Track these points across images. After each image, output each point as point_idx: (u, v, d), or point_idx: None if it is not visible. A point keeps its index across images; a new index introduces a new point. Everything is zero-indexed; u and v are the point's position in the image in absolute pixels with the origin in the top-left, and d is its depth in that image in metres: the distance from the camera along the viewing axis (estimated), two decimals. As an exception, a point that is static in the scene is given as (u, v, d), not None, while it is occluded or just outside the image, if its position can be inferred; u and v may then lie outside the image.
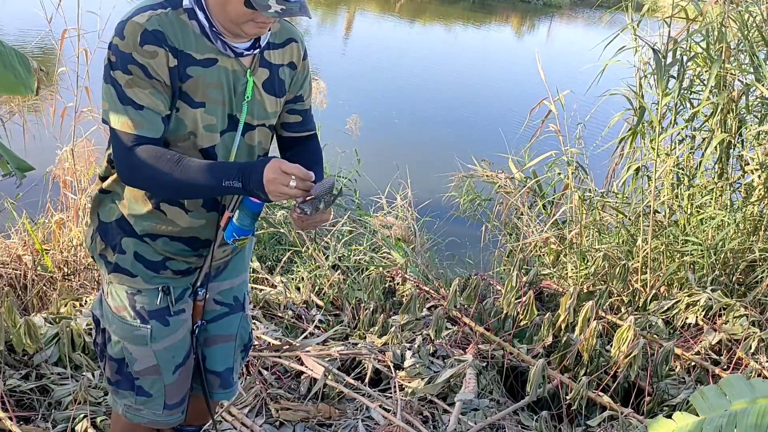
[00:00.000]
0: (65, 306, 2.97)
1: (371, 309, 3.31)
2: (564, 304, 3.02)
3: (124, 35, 1.49)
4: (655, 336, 3.18)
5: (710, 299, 3.32)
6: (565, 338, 3.06)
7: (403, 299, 3.47)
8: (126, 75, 1.50)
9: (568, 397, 2.74)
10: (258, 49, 1.64)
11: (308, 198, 1.52)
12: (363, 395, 2.73)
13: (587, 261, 3.93)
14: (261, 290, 3.48)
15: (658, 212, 3.93)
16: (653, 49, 3.66)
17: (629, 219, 4.09)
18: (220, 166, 1.56)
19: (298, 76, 1.77)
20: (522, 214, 4.46)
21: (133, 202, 1.68)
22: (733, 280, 3.69)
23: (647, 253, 3.70)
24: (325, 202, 1.53)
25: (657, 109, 3.75)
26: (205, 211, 1.69)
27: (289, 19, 1.69)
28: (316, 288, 3.63)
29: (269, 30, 1.63)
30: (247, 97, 1.64)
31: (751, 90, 3.89)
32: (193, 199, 1.66)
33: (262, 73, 1.67)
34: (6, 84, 2.17)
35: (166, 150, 1.56)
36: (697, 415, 1.43)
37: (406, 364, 2.91)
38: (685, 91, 3.96)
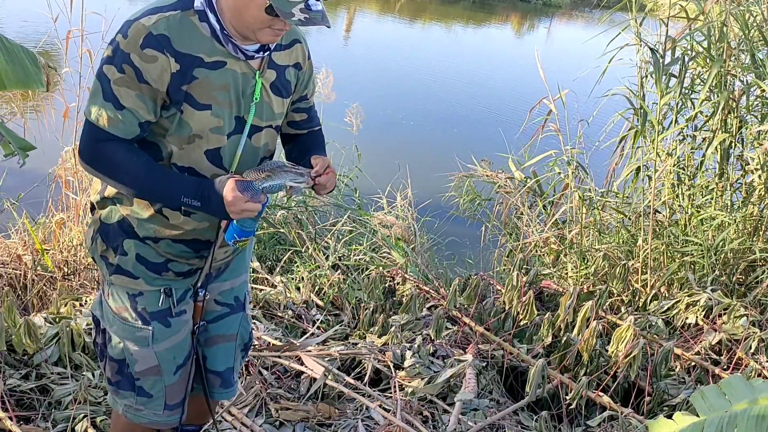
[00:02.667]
0: (65, 306, 2.97)
1: (371, 309, 3.31)
2: (563, 303, 3.02)
3: (128, 35, 1.50)
4: (655, 336, 3.18)
5: (710, 299, 3.32)
6: (565, 338, 3.06)
7: (403, 299, 3.47)
8: (118, 73, 1.50)
9: (568, 397, 2.74)
10: (267, 52, 1.64)
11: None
12: (363, 395, 2.73)
13: (587, 261, 3.93)
14: (261, 290, 3.48)
15: (659, 212, 3.93)
16: (651, 49, 3.66)
17: (629, 219, 4.08)
18: (185, 181, 1.58)
19: (303, 76, 1.78)
20: (522, 213, 4.46)
21: (135, 206, 1.68)
22: (734, 280, 3.68)
23: (647, 253, 3.70)
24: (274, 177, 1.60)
25: (657, 108, 3.74)
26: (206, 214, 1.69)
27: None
28: (316, 288, 3.63)
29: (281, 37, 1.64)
30: (256, 99, 1.64)
31: (752, 90, 3.89)
32: (152, 202, 1.67)
33: (270, 74, 1.67)
34: (18, 79, 2.16)
35: (137, 149, 1.58)
36: (697, 415, 1.43)
37: (406, 364, 2.91)
38: (687, 91, 3.96)
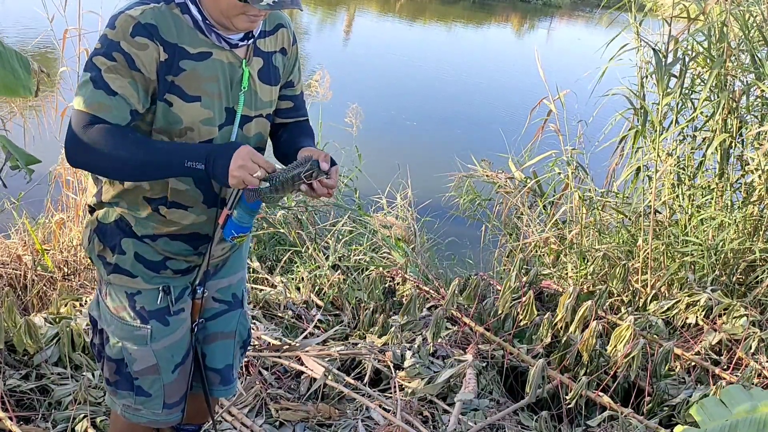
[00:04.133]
0: (65, 306, 2.98)
1: (371, 309, 3.30)
2: (562, 303, 3.02)
3: (116, 26, 1.50)
4: (655, 336, 3.18)
5: (710, 299, 3.32)
6: (564, 338, 3.06)
7: (403, 299, 3.47)
8: (108, 61, 1.49)
9: (568, 397, 2.74)
10: (252, 39, 1.64)
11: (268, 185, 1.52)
12: (363, 395, 2.73)
13: (587, 261, 3.93)
14: (261, 290, 3.48)
15: (659, 212, 3.93)
16: (653, 49, 3.66)
17: (629, 219, 4.08)
18: (185, 146, 1.54)
19: (288, 61, 1.77)
20: (522, 214, 4.46)
21: (133, 206, 1.68)
22: (734, 280, 3.68)
23: (648, 253, 3.70)
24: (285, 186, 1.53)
25: (658, 109, 3.74)
26: (206, 207, 1.69)
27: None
28: (316, 288, 3.63)
29: (260, 24, 1.62)
30: (243, 88, 1.64)
31: (752, 90, 3.89)
32: (149, 181, 1.62)
33: (257, 62, 1.67)
34: (5, 86, 2.16)
35: (127, 128, 1.53)
36: (697, 426, 1.43)
37: (406, 364, 2.91)
38: (687, 91, 3.96)
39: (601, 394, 2.79)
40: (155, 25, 1.51)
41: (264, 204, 1.62)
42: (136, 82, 1.51)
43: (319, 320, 3.36)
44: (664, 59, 3.64)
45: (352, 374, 2.91)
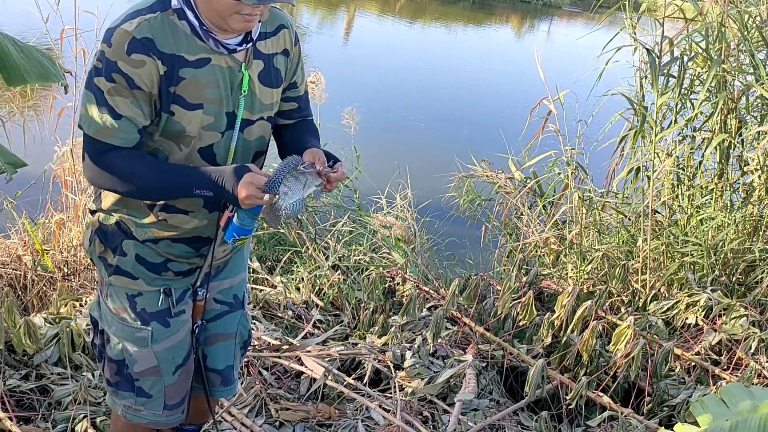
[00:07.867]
0: (65, 306, 2.98)
1: (371, 309, 3.30)
2: (561, 302, 3.02)
3: (112, 43, 1.49)
4: (654, 336, 3.18)
5: (710, 299, 3.32)
6: (565, 338, 3.06)
7: (403, 299, 3.47)
8: (109, 83, 1.50)
9: (568, 397, 2.74)
10: (251, 43, 1.63)
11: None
12: (363, 395, 2.73)
13: (587, 261, 3.93)
14: (261, 290, 3.48)
15: (658, 212, 3.93)
16: (647, 50, 3.66)
17: (629, 219, 4.08)
18: (194, 173, 1.56)
19: (291, 62, 1.76)
20: (522, 214, 4.46)
21: (134, 212, 1.68)
22: (733, 280, 3.68)
23: (647, 254, 3.70)
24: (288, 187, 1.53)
25: (655, 109, 3.74)
26: (207, 212, 1.69)
27: (280, 6, 1.69)
28: (316, 288, 3.63)
29: (258, 23, 1.61)
30: (244, 92, 1.63)
31: (751, 90, 3.88)
32: (162, 200, 1.66)
33: (257, 65, 1.66)
34: (37, 73, 2.17)
35: (139, 153, 1.57)
36: (697, 425, 1.42)
37: (406, 364, 2.91)
38: (686, 91, 3.96)
39: (601, 394, 2.79)
40: (151, 39, 1.50)
41: (292, 214, 1.57)
42: (138, 100, 1.52)
43: (318, 320, 3.36)
44: (657, 60, 3.64)
45: (352, 374, 2.91)
